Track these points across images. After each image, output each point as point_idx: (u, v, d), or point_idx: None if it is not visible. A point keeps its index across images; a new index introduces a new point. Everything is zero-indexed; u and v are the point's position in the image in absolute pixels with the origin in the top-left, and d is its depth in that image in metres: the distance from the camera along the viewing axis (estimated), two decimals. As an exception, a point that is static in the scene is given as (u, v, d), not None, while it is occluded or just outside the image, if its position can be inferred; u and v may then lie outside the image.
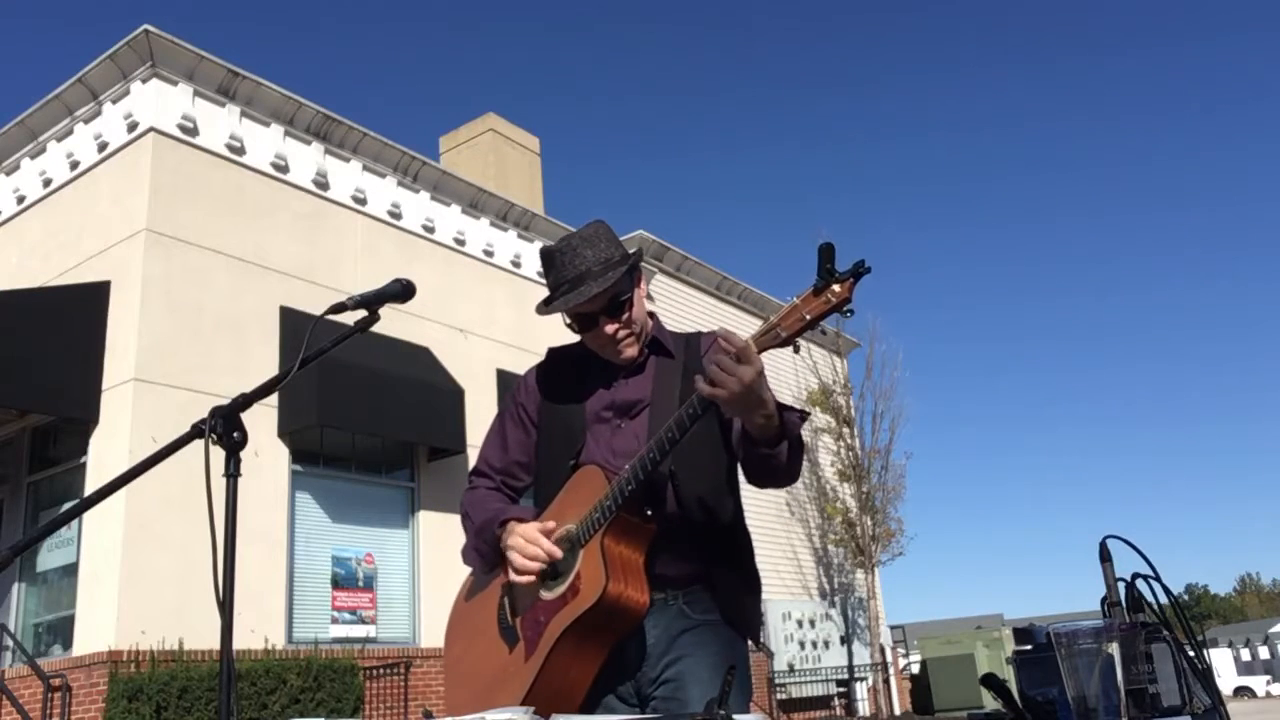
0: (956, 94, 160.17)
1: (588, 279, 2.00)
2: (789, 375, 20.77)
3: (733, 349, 1.70)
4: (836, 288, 1.59)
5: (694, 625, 1.97)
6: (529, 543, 1.92)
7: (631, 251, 2.10)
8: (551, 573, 1.93)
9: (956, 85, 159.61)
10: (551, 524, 1.95)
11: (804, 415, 1.93)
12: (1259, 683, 49.97)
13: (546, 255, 2.09)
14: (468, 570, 2.21)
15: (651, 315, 2.17)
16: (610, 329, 2.03)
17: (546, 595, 1.92)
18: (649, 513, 1.91)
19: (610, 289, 1.99)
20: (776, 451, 1.85)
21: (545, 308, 2.08)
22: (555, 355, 2.23)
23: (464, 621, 2.17)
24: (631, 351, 2.07)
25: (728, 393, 1.71)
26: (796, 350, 1.75)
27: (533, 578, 1.92)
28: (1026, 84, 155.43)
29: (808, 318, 1.63)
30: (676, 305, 18.08)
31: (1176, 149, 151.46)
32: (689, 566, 1.98)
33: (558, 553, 1.91)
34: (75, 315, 9.83)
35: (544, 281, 2.19)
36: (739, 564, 2.07)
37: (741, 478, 2.10)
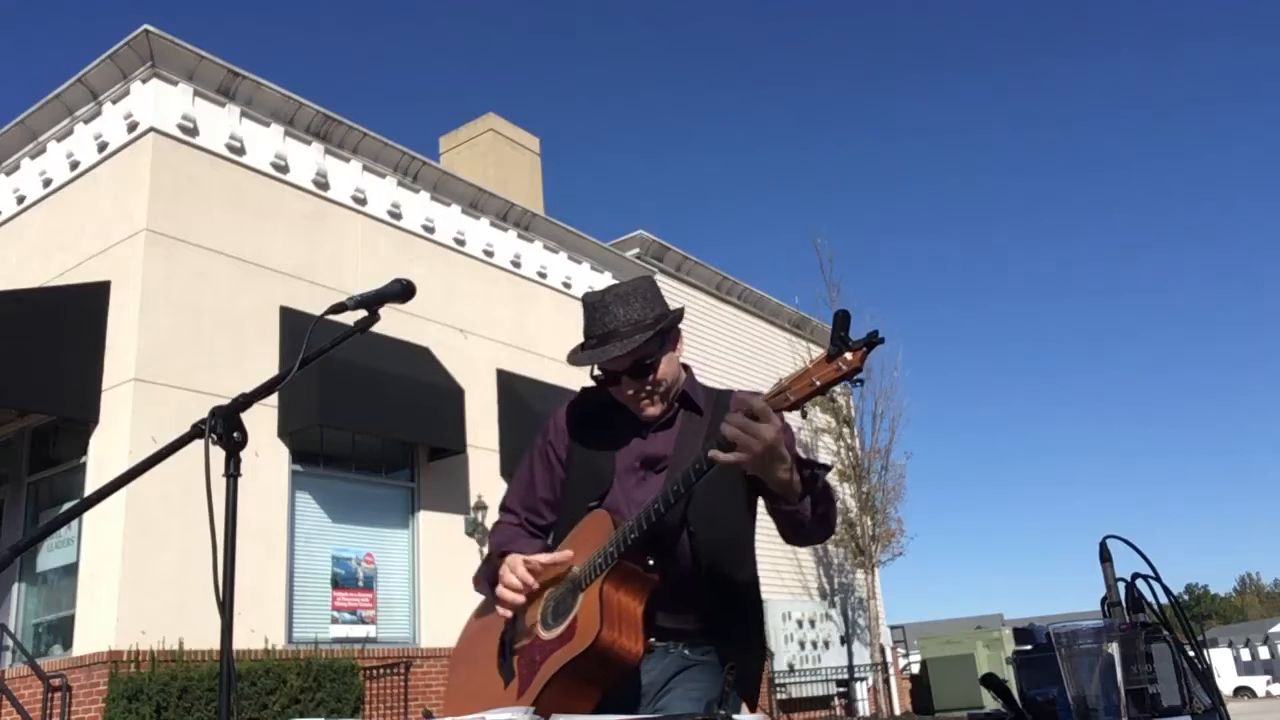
0: (957, 94, 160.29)
1: (613, 339, 2.01)
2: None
3: (751, 409, 1.71)
4: (849, 356, 1.62)
5: (691, 664, 1.99)
6: (510, 571, 1.95)
7: (674, 309, 2.11)
8: (552, 612, 1.95)
9: (957, 85, 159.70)
10: (545, 556, 1.97)
11: (824, 468, 1.94)
12: (1259, 683, 49.94)
13: (584, 306, 2.12)
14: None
15: (686, 368, 2.18)
16: (631, 391, 2.05)
17: (544, 635, 1.94)
18: (651, 563, 1.91)
19: (634, 352, 2.00)
20: (800, 507, 1.88)
21: (574, 359, 2.10)
22: (588, 396, 2.23)
23: (468, 649, 2.20)
24: (653, 411, 2.08)
25: (750, 455, 1.72)
26: (805, 415, 1.78)
27: (509, 613, 1.95)
28: (1027, 85, 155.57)
29: (817, 384, 1.65)
30: (677, 305, 18.05)
31: (1179, 150, 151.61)
32: (695, 622, 1.99)
33: (532, 580, 1.93)
34: (75, 315, 9.83)
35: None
36: (747, 628, 2.07)
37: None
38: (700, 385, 2.18)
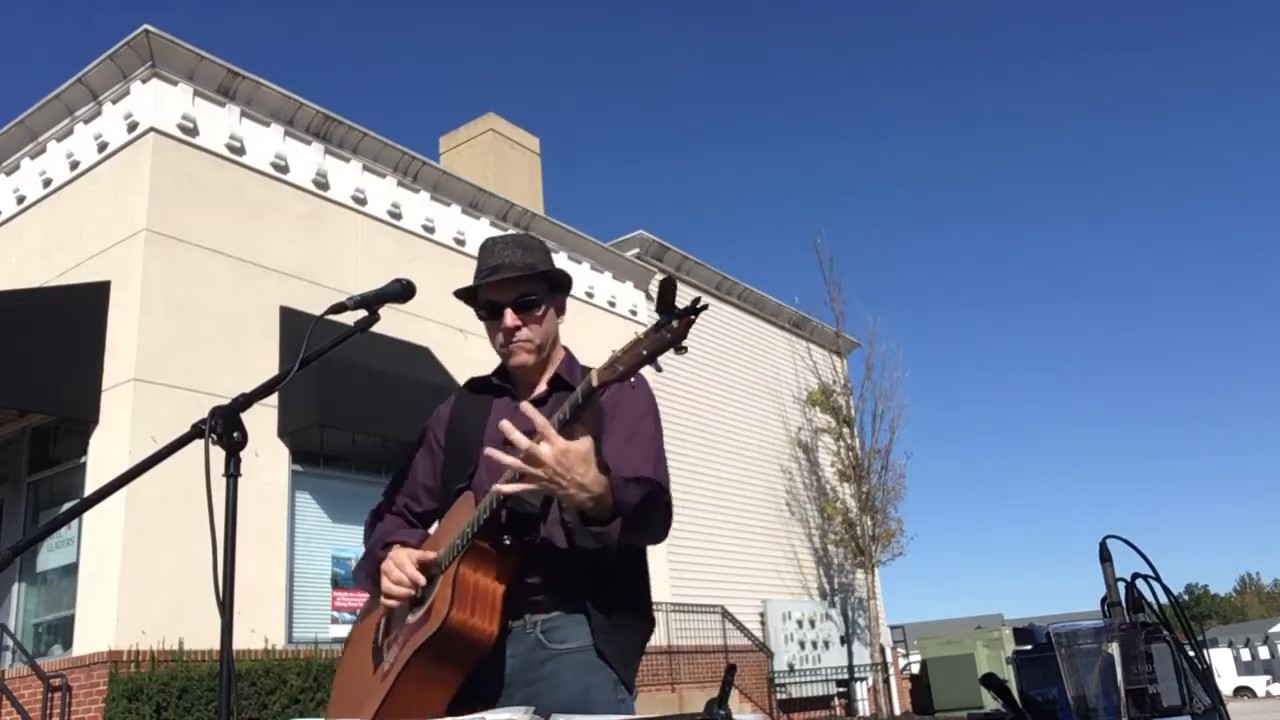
0: (956, 95, 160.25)
1: (505, 270, 2.05)
2: (789, 376, 20.79)
3: (533, 426, 1.71)
4: (675, 324, 1.64)
5: (552, 655, 1.95)
6: (396, 567, 1.96)
7: (559, 271, 2.15)
8: (419, 597, 1.97)
9: (955, 86, 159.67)
10: (429, 553, 1.99)
11: (645, 484, 1.86)
12: (1259, 683, 49.89)
13: (483, 245, 2.15)
14: None
15: (567, 350, 2.20)
16: (510, 322, 2.07)
17: (410, 619, 1.96)
18: (508, 542, 1.91)
19: (523, 281, 2.05)
20: (607, 530, 1.80)
21: (461, 290, 2.13)
22: (471, 385, 2.28)
23: (354, 639, 2.22)
24: (523, 358, 2.09)
25: (536, 482, 1.72)
26: (634, 386, 1.81)
27: (397, 602, 1.96)
28: (1024, 85, 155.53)
29: (644, 354, 1.67)
30: (677, 305, 18.04)
31: (1180, 150, 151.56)
32: (557, 595, 1.97)
33: (421, 579, 1.94)
34: (75, 315, 9.83)
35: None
36: (620, 597, 2.01)
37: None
38: (581, 368, 2.16)
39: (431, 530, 2.18)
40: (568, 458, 1.71)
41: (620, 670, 1.97)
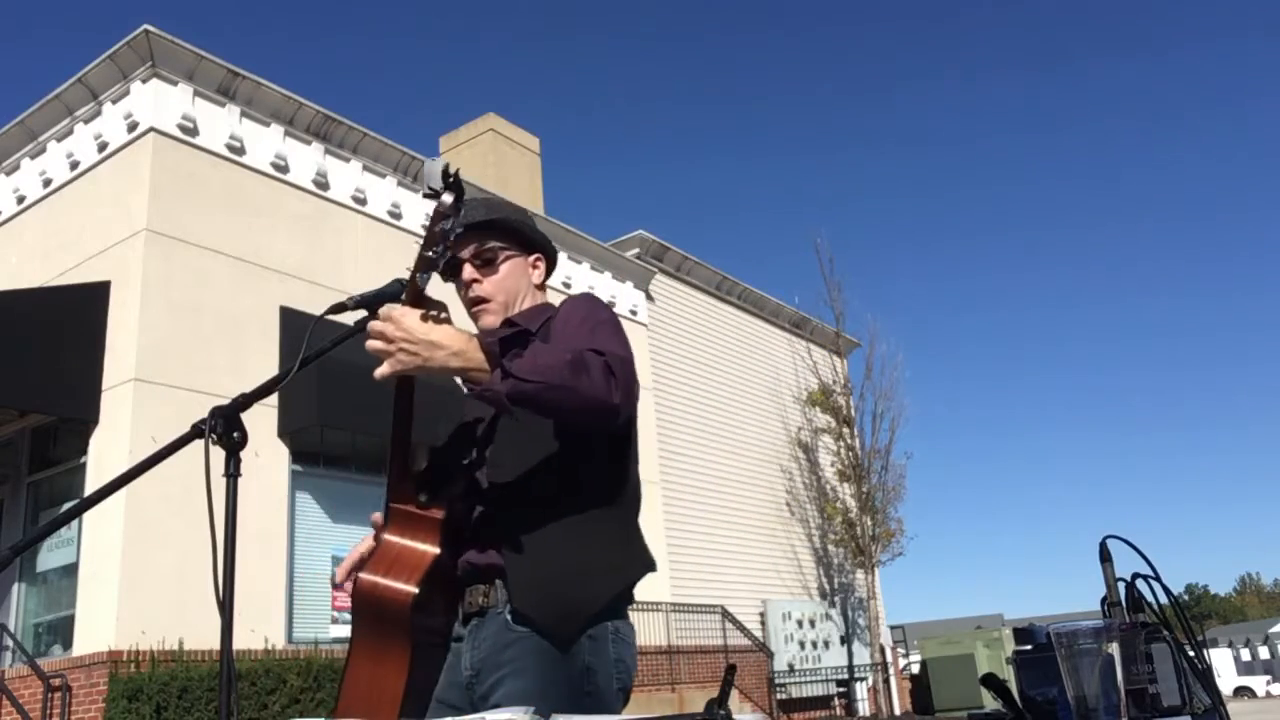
0: (958, 102, 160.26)
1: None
2: (789, 376, 20.79)
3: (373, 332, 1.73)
4: (446, 198, 1.67)
5: (515, 640, 1.85)
6: (341, 568, 1.98)
7: (517, 222, 2.08)
8: None
9: (955, 93, 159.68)
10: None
11: (519, 334, 1.76)
12: (1259, 683, 49.85)
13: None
14: None
15: (548, 304, 2.11)
16: (467, 275, 2.02)
17: None
18: (424, 499, 1.88)
19: (473, 235, 2.00)
20: (490, 384, 1.70)
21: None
22: None
23: None
24: (487, 320, 2.04)
25: (394, 359, 1.72)
26: (435, 268, 1.75)
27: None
28: (1024, 93, 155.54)
29: (422, 244, 1.71)
30: (677, 305, 18.07)
31: (1176, 156, 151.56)
32: (499, 555, 1.88)
33: (338, 577, 1.96)
34: (75, 315, 9.83)
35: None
36: (567, 547, 1.86)
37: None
38: (551, 313, 2.07)
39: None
40: (406, 319, 1.70)
41: (563, 632, 1.84)
